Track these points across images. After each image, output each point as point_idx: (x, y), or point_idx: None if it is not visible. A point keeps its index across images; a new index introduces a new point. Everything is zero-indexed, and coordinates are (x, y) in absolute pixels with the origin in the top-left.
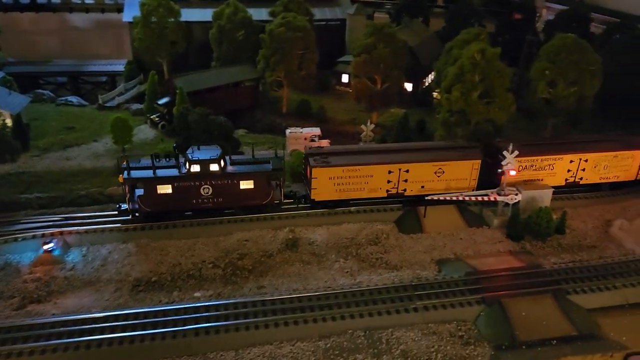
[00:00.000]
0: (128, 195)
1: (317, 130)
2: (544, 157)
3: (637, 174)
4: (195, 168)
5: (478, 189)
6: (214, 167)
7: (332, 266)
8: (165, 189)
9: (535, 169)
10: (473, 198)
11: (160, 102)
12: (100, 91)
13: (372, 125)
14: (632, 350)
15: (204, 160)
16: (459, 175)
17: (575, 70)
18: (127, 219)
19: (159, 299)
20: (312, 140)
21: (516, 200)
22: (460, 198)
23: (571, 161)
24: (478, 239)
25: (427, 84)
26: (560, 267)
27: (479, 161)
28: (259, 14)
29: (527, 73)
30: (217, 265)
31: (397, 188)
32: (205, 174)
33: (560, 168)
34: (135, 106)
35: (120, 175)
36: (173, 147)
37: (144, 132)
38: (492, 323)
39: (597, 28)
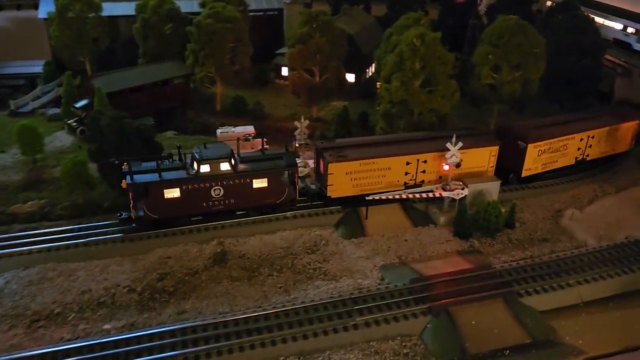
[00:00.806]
0: (132, 202)
1: (250, 129)
2: (559, 139)
3: (631, 143)
4: (205, 168)
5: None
6: (224, 166)
7: (264, 281)
8: (173, 193)
9: (553, 151)
10: (417, 195)
11: (78, 105)
12: (17, 95)
13: (307, 122)
14: (589, 355)
15: (214, 159)
16: (476, 163)
17: (518, 54)
18: (130, 228)
19: (61, 335)
20: (246, 139)
21: (462, 195)
22: (404, 196)
23: (581, 139)
24: (424, 240)
25: (370, 74)
26: (511, 266)
27: (497, 147)
28: (189, 5)
29: (472, 58)
30: (133, 289)
31: (415, 179)
32: (216, 174)
33: (572, 148)
34: (53, 111)
35: (123, 180)
36: (177, 147)
37: (60, 139)
38: (439, 336)
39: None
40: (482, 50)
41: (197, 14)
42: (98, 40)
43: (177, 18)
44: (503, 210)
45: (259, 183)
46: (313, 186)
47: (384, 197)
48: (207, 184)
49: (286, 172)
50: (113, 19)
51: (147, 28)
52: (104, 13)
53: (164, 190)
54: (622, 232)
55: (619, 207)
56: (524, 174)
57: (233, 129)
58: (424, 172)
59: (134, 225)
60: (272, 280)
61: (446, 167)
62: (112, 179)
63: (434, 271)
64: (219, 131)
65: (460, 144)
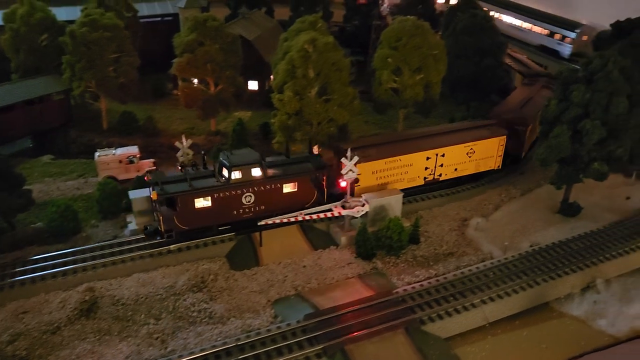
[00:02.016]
0: (161, 215)
1: (134, 150)
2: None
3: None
4: (237, 175)
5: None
6: (256, 172)
7: (138, 332)
8: (205, 202)
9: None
10: (315, 216)
11: None
12: None
13: (189, 141)
14: None
15: (246, 164)
16: (487, 154)
17: (418, 56)
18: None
19: None
20: (130, 162)
21: (364, 212)
22: (300, 218)
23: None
24: (325, 264)
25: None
26: (414, 289)
27: (505, 137)
28: (71, 12)
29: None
30: None
31: (434, 174)
32: (247, 180)
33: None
34: None
35: (154, 191)
36: (201, 154)
37: None
38: None
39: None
40: (381, 53)
41: None
42: None
43: (53, 27)
44: (407, 224)
45: (289, 188)
46: None
47: (277, 221)
48: (239, 191)
49: (315, 175)
50: None
51: (17, 40)
52: None
53: (195, 200)
54: (527, 239)
55: (523, 212)
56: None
57: (113, 151)
58: (441, 165)
59: (160, 238)
60: (148, 329)
61: (343, 184)
62: None
63: (332, 302)
64: (96, 154)
65: (356, 158)
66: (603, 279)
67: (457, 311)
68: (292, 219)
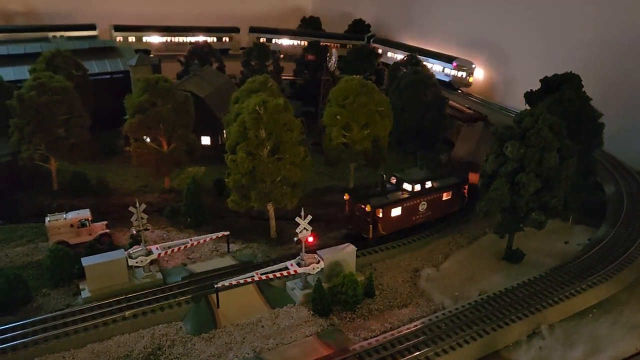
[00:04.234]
0: (372, 223)
1: (85, 213)
2: None
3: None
4: (418, 187)
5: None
6: (429, 185)
7: None
8: (397, 211)
9: None
10: (271, 275)
11: None
12: None
13: (143, 206)
14: None
15: (422, 179)
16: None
17: (365, 113)
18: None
19: None
20: (82, 226)
21: (319, 269)
22: (256, 278)
23: None
24: (282, 323)
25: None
26: (370, 345)
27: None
28: (18, 72)
29: (321, 119)
30: None
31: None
32: (424, 191)
33: None
34: None
35: (367, 204)
36: (381, 175)
37: None
38: None
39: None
40: (330, 111)
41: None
42: None
43: (0, 89)
44: (362, 278)
45: (446, 196)
46: None
47: (234, 283)
48: (418, 201)
49: (461, 186)
50: None
51: None
52: None
53: (392, 210)
54: (476, 287)
55: (471, 260)
56: None
57: (64, 215)
58: None
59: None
60: None
61: (311, 239)
62: None
63: None
64: (47, 219)
65: (309, 217)
66: (547, 324)
67: None
68: (249, 279)
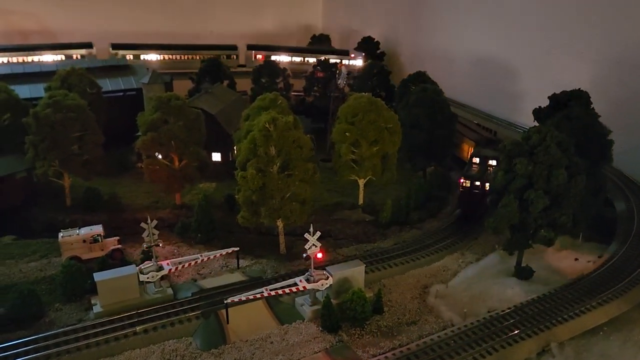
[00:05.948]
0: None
1: (98, 229)
2: None
3: None
4: None
5: None
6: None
7: None
8: None
9: None
10: (280, 291)
11: None
12: None
13: (154, 222)
14: None
15: None
16: None
17: (374, 130)
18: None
19: None
20: (94, 241)
21: (328, 285)
22: (265, 294)
23: None
24: (291, 339)
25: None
26: None
27: None
28: (35, 90)
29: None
30: None
31: None
32: None
33: None
34: None
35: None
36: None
37: None
38: None
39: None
40: (339, 128)
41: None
42: None
43: (16, 106)
44: (370, 294)
45: None
46: None
47: (243, 299)
48: None
49: None
50: None
51: None
52: None
53: None
54: (485, 304)
55: (480, 277)
56: None
57: (77, 231)
58: None
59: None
60: None
61: (320, 255)
62: None
63: None
64: (60, 235)
65: (318, 233)
66: (557, 342)
67: None
68: (258, 295)
